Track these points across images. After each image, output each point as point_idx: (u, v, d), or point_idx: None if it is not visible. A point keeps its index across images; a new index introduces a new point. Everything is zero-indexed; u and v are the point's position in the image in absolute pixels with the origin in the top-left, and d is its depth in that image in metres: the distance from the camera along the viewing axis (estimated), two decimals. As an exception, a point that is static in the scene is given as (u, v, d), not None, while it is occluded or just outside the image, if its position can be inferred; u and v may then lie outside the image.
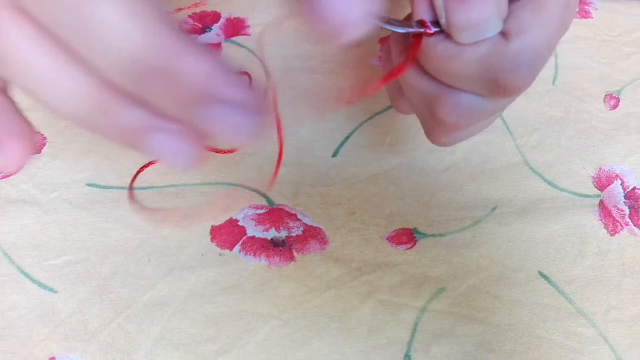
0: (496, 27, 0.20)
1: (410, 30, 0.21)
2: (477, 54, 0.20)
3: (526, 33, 0.20)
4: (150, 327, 0.29)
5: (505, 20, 0.20)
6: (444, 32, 0.21)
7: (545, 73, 0.42)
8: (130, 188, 0.33)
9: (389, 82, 0.25)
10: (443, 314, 0.31)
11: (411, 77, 0.23)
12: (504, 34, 0.20)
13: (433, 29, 0.21)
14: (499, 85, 0.20)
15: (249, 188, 0.34)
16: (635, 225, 0.34)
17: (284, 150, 0.36)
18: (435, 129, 0.24)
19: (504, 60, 0.20)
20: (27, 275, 0.31)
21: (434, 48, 0.21)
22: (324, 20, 0.15)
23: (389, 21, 0.21)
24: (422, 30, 0.21)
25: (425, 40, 0.21)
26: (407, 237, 0.33)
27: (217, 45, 0.40)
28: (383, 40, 0.42)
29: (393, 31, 0.22)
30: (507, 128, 0.38)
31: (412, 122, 0.38)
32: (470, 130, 0.24)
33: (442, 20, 0.20)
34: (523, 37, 0.20)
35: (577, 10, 0.22)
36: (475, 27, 0.20)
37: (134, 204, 0.33)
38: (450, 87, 0.22)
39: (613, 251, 0.33)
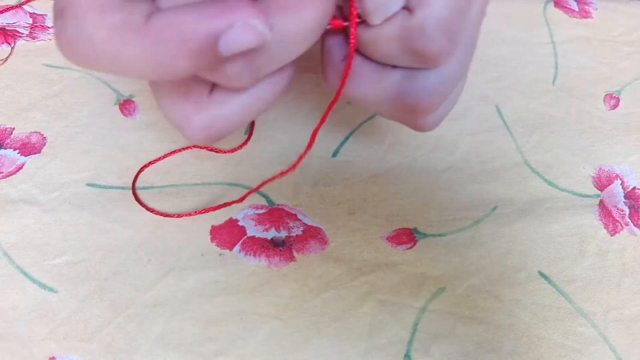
0: (397, 3, 0.22)
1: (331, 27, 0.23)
2: (392, 31, 0.22)
3: (427, 4, 0.21)
4: (150, 327, 0.29)
5: None
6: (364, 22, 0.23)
7: (545, 73, 0.42)
8: (134, 187, 0.34)
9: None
10: (443, 314, 0.31)
11: (370, 80, 0.24)
12: (408, 8, 0.22)
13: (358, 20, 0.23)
14: (417, 53, 0.22)
15: (249, 188, 0.34)
16: (635, 225, 0.34)
17: (284, 150, 0.36)
18: (411, 118, 0.25)
19: (413, 30, 0.22)
20: (27, 275, 0.31)
21: (361, 37, 0.23)
22: None
23: None
24: (346, 23, 0.22)
25: (359, 34, 0.23)
26: (407, 237, 0.33)
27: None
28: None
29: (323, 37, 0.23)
30: (507, 128, 0.38)
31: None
32: (444, 108, 0.26)
33: (359, 11, 0.22)
34: (425, 8, 0.21)
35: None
36: (379, 7, 0.22)
37: (138, 202, 0.33)
38: (406, 71, 0.23)
39: (613, 251, 0.33)
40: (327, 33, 0.23)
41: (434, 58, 0.23)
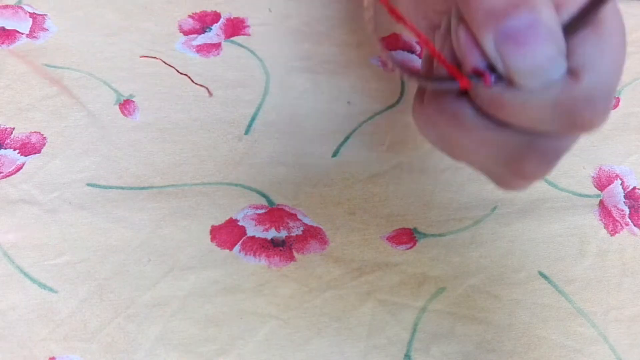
0: (561, 67, 0.19)
1: (456, 84, 0.20)
2: (548, 98, 0.19)
3: (595, 69, 0.19)
4: (150, 327, 0.29)
5: (569, 58, 0.19)
6: (504, 79, 0.19)
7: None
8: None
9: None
10: (443, 314, 0.31)
11: (480, 136, 0.21)
12: (572, 72, 0.19)
13: (492, 77, 0.19)
14: (577, 124, 0.19)
15: (249, 188, 0.34)
16: (635, 225, 0.34)
17: (284, 150, 0.36)
18: (514, 180, 0.22)
19: (580, 99, 0.19)
20: (27, 275, 0.31)
21: (501, 98, 0.19)
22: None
23: (429, 77, 0.20)
24: (477, 81, 0.19)
25: (487, 91, 0.19)
26: (407, 237, 0.33)
27: (217, 45, 0.40)
28: (383, 40, 0.42)
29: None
30: (507, 128, 0.38)
31: (413, 122, 0.38)
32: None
33: (500, 67, 0.19)
34: (593, 73, 0.19)
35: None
36: (538, 70, 0.18)
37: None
38: (531, 135, 0.20)
39: (613, 251, 0.33)
40: (450, 92, 0.20)
41: (595, 127, 0.19)
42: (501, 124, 0.20)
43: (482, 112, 0.20)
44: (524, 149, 0.20)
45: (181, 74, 0.38)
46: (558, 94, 0.19)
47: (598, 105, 0.19)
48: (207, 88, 0.37)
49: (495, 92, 0.19)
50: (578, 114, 0.19)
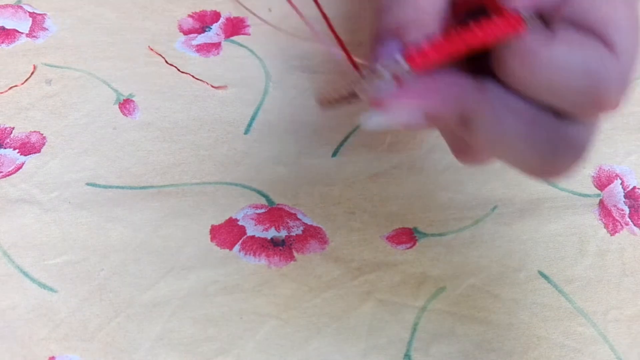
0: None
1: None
2: (581, 64, 0.17)
3: (630, 51, 0.18)
4: (150, 327, 0.29)
5: (604, 24, 0.18)
6: (539, 31, 0.17)
7: (545, 73, 0.42)
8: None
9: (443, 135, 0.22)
10: (443, 314, 0.31)
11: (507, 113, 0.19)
12: (608, 45, 0.17)
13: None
14: (601, 104, 0.18)
15: (249, 188, 0.34)
16: (635, 225, 0.34)
17: (284, 150, 0.36)
18: (548, 175, 0.21)
19: (613, 77, 0.17)
20: (27, 275, 0.31)
21: (537, 54, 0.17)
22: None
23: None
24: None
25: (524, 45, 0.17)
26: (407, 236, 0.33)
27: (217, 45, 0.40)
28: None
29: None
30: (507, 128, 0.38)
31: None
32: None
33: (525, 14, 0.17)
34: (630, 54, 0.18)
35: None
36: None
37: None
38: (556, 123, 0.19)
39: (613, 251, 0.33)
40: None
41: (614, 108, 0.18)
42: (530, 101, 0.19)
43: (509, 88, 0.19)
44: (553, 139, 0.19)
45: (182, 72, 0.38)
46: (593, 62, 0.17)
47: (625, 88, 0.18)
48: (207, 83, 0.38)
49: (532, 49, 0.17)
50: (606, 89, 0.18)
